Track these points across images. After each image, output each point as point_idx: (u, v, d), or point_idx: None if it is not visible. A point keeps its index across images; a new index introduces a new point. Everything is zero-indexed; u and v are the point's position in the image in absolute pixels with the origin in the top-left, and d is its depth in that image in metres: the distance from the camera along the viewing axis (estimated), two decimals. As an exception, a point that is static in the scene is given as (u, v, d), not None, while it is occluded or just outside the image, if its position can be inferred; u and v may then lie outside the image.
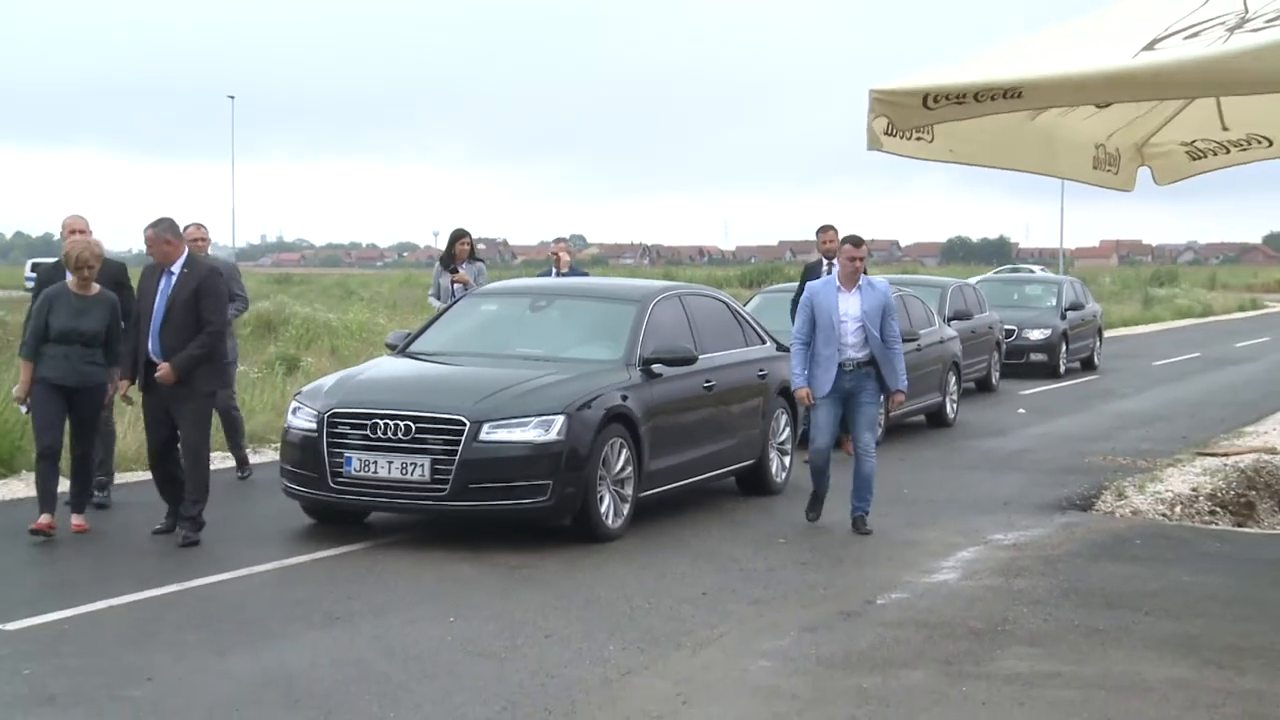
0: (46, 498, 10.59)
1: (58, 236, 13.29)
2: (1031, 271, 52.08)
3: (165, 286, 10.64)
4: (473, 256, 16.68)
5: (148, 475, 11.43)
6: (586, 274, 18.63)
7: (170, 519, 10.76)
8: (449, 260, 16.44)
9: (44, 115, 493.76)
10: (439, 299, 16.35)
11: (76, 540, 10.60)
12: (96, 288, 10.68)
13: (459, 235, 16.50)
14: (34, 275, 49.83)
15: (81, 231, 11.59)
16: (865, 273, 11.50)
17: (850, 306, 11.11)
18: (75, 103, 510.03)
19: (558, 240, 17.89)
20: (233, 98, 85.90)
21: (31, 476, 11.61)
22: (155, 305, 10.63)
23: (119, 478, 12.67)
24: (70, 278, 10.64)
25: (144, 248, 10.94)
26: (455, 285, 16.08)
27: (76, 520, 10.73)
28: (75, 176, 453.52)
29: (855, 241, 11.41)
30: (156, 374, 10.50)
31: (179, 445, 10.84)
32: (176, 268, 10.66)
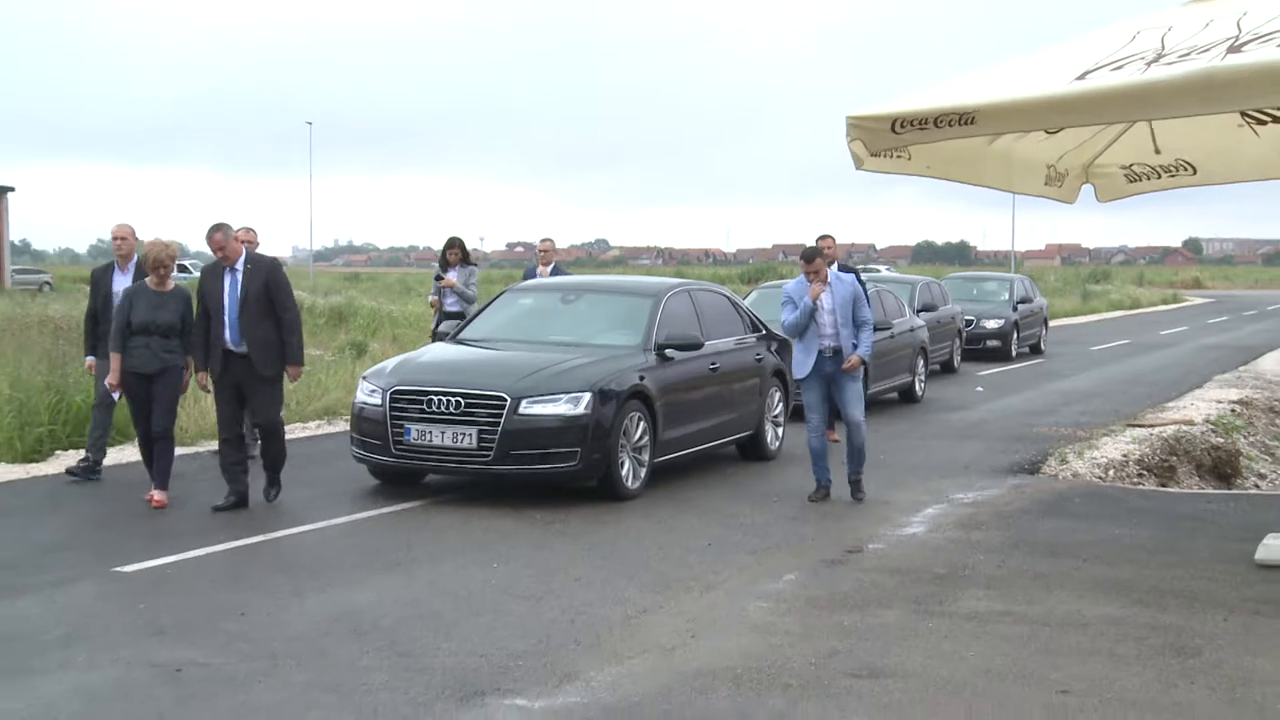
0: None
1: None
2: (879, 270, 53.05)
3: (232, 283, 10.23)
4: (465, 261, 15.80)
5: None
6: (569, 272, 16.81)
7: (231, 497, 10.25)
8: (444, 265, 15.84)
9: (157, 140, 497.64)
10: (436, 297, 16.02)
11: (177, 498, 10.52)
12: (171, 284, 10.44)
13: (449, 244, 15.86)
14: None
15: (125, 239, 11.56)
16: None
17: (824, 301, 10.92)
18: (183, 130, 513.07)
19: (544, 240, 16.75)
20: (310, 123, 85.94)
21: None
22: (225, 300, 10.22)
23: (206, 445, 12.71)
24: (149, 276, 10.39)
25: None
26: (442, 288, 15.64)
27: (158, 495, 10.34)
28: (181, 190, 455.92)
29: (807, 257, 11.09)
30: (289, 377, 10.38)
31: (251, 423, 10.75)
32: (240, 264, 10.27)
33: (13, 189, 56.51)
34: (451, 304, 15.47)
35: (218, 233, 10.21)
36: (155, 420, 10.29)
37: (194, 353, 10.33)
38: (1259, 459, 16.47)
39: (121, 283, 11.30)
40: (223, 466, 10.39)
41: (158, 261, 10.31)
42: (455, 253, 15.70)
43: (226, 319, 10.19)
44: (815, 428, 11.03)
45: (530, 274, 16.09)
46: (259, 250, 11.27)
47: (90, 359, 11.68)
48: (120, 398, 10.80)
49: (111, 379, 10.39)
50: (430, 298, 16.45)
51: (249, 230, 12.38)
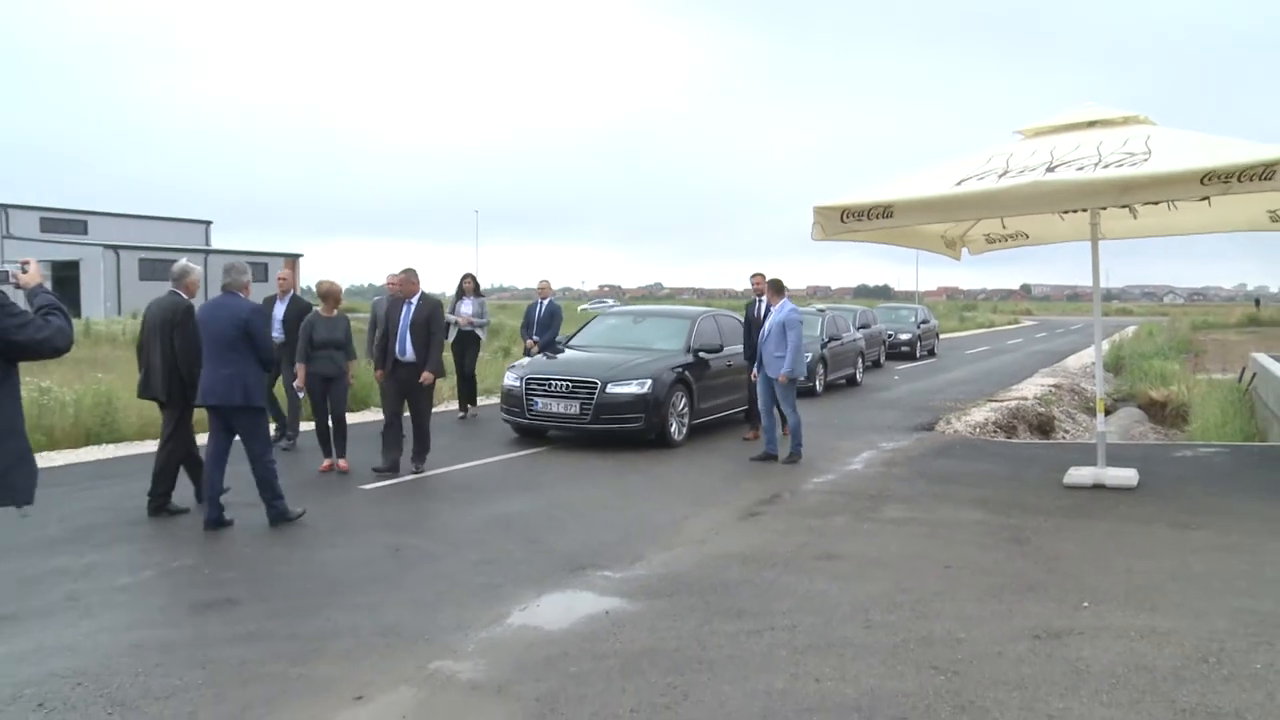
0: (326, 449, 9.46)
1: (382, 283, 11.28)
2: (607, 303, 51.11)
3: (407, 312, 9.23)
4: (476, 292, 13.19)
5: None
6: (559, 306, 13.65)
7: (386, 462, 9.15)
8: (459, 294, 13.29)
9: (384, 221, 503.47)
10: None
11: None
12: (336, 311, 9.37)
13: (465, 277, 13.25)
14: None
15: (286, 277, 10.40)
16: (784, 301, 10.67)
17: (765, 323, 10.22)
18: (399, 214, 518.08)
19: (542, 281, 13.68)
20: (477, 211, 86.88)
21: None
22: (401, 323, 9.23)
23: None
24: (320, 305, 9.42)
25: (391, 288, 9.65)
26: (454, 316, 12.94)
27: (342, 463, 9.31)
28: (397, 254, 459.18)
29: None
30: (421, 378, 9.12)
31: (409, 413, 9.35)
32: (415, 300, 9.27)
33: (302, 255, 57.61)
34: (465, 326, 13.06)
35: (402, 275, 9.37)
36: (335, 409, 9.34)
37: (374, 356, 9.38)
38: (1065, 421, 16.51)
39: (279, 309, 10.33)
40: (384, 440, 9.36)
41: (330, 294, 9.37)
42: (469, 282, 13.22)
43: (400, 335, 9.27)
44: (765, 411, 10.36)
45: (533, 307, 13.56)
46: (295, 289, 10.46)
47: None
48: (302, 396, 9.96)
49: (299, 381, 9.34)
50: (452, 317, 12.95)
51: (284, 277, 10.55)
